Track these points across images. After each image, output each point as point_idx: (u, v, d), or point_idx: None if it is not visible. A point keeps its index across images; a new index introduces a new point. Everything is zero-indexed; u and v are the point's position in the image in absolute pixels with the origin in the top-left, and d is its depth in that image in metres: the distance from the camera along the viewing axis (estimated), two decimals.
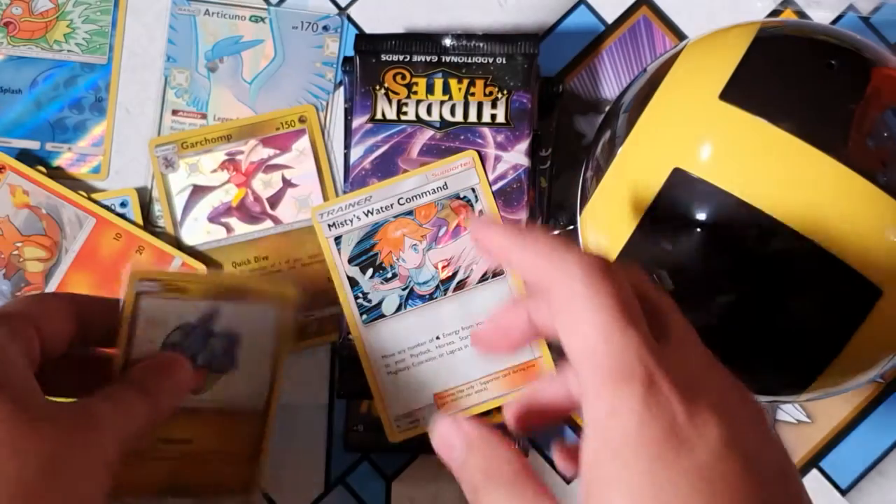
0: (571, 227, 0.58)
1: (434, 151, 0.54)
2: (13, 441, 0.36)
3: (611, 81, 0.59)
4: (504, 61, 0.55)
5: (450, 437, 0.37)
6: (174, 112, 0.59)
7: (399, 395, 0.52)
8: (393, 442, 0.52)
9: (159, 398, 0.44)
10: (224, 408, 0.48)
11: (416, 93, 0.55)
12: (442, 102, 0.54)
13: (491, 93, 0.54)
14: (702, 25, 0.59)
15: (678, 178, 0.44)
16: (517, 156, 0.54)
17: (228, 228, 0.57)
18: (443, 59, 0.55)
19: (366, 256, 0.52)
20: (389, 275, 0.52)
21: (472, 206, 0.52)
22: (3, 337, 0.39)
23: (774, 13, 0.59)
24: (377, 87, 0.55)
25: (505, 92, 0.54)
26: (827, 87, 0.44)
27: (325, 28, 0.59)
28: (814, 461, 0.57)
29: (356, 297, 0.52)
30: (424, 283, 0.52)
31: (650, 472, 0.30)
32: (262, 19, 0.59)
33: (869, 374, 0.47)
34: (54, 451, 0.37)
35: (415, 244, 0.52)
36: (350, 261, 0.52)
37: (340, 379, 0.54)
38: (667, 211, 0.45)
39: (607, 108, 0.53)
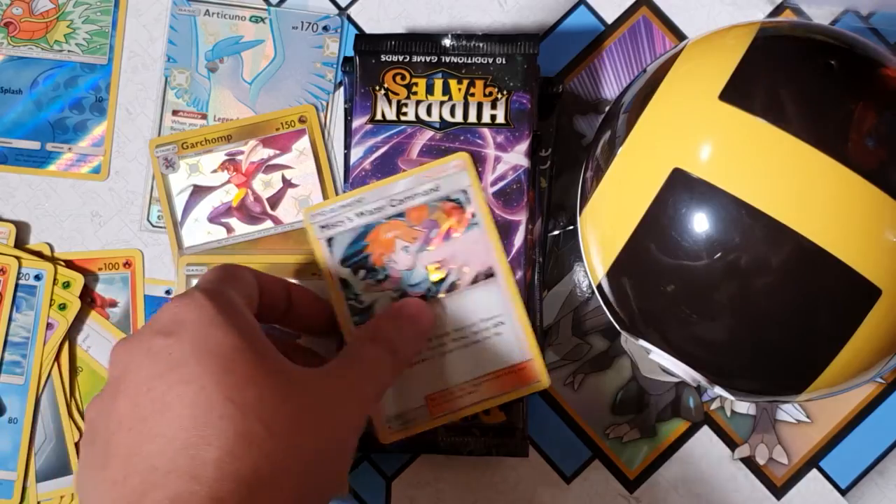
0: (571, 227, 0.58)
1: (434, 152, 0.54)
2: (275, 415, 0.38)
3: (611, 82, 0.59)
4: (504, 62, 0.55)
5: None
6: (174, 112, 0.59)
7: (391, 396, 0.51)
8: (384, 442, 0.52)
9: (402, 352, 0.47)
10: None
11: (415, 93, 0.55)
12: (442, 103, 0.55)
13: (491, 93, 0.54)
14: (701, 26, 0.59)
15: (678, 179, 0.44)
16: (517, 156, 0.54)
17: (229, 229, 0.58)
18: (443, 60, 0.55)
19: (357, 258, 0.52)
20: (381, 276, 0.52)
21: (463, 208, 0.52)
22: (246, 312, 0.42)
23: (774, 13, 0.59)
24: (377, 88, 0.55)
25: (505, 92, 0.54)
26: (827, 88, 0.44)
27: (325, 28, 0.60)
28: (813, 461, 0.57)
29: (348, 299, 0.52)
30: (416, 284, 0.52)
31: None
32: (262, 19, 0.59)
33: (868, 375, 0.47)
34: (308, 422, 0.39)
35: (406, 246, 0.51)
36: (342, 262, 0.52)
37: None
38: (666, 211, 0.45)
39: (607, 109, 0.53)
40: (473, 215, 0.51)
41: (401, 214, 0.51)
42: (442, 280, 0.51)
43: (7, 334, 0.56)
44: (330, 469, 0.41)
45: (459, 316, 0.52)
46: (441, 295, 0.51)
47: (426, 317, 0.49)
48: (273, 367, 0.40)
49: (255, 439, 0.37)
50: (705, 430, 0.57)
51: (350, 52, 0.57)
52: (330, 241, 0.52)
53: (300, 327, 0.51)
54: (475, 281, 0.52)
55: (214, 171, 0.58)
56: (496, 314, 0.52)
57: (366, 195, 0.51)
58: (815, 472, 0.57)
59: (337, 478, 0.42)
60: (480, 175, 0.54)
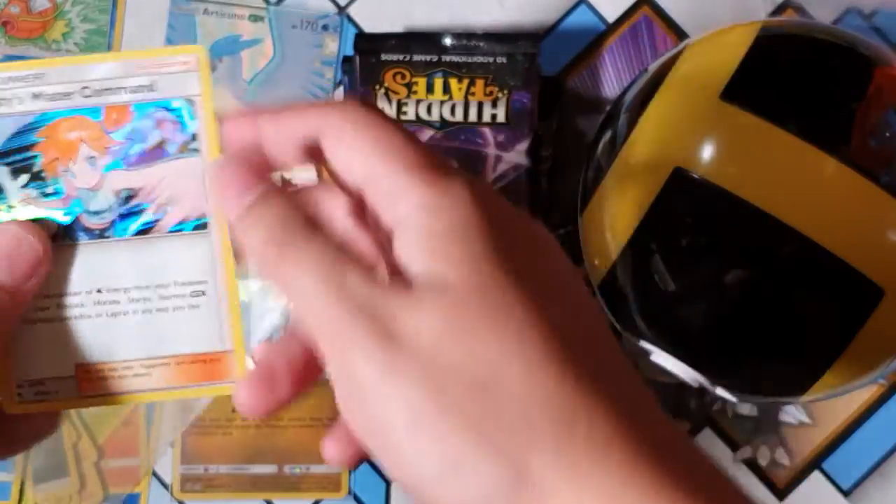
0: (572, 227, 0.58)
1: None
2: None
3: (612, 81, 0.59)
4: (504, 61, 0.54)
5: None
6: None
7: (32, 352, 0.38)
8: (9, 412, 0.37)
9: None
10: None
11: (415, 92, 0.54)
12: (442, 102, 0.54)
13: (491, 92, 0.54)
14: (703, 25, 0.59)
15: (679, 178, 0.44)
16: (517, 156, 0.54)
17: None
18: (443, 59, 0.55)
19: (21, 156, 0.37)
20: (50, 189, 0.37)
21: (182, 124, 0.37)
22: None
23: (776, 12, 0.59)
24: (377, 87, 0.55)
25: (505, 91, 0.54)
26: (828, 87, 0.44)
27: (325, 27, 0.59)
28: (816, 463, 0.57)
29: None
30: (97, 213, 0.38)
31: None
32: (262, 18, 0.59)
33: (871, 376, 0.47)
34: None
35: (93, 156, 0.37)
36: None
37: None
38: (668, 211, 0.45)
39: (608, 108, 0.53)
40: (195, 138, 0.37)
41: (94, 110, 0.37)
42: (134, 214, 0.38)
43: None
44: None
45: (146, 269, 0.38)
46: (127, 236, 0.37)
47: (25, 252, 0.35)
48: None
49: None
50: (707, 431, 0.57)
51: (350, 52, 0.56)
52: None
53: None
54: (179, 228, 0.38)
55: None
56: (197, 279, 0.38)
57: (49, 70, 0.37)
58: (817, 473, 0.57)
59: None
60: (481, 175, 0.53)
